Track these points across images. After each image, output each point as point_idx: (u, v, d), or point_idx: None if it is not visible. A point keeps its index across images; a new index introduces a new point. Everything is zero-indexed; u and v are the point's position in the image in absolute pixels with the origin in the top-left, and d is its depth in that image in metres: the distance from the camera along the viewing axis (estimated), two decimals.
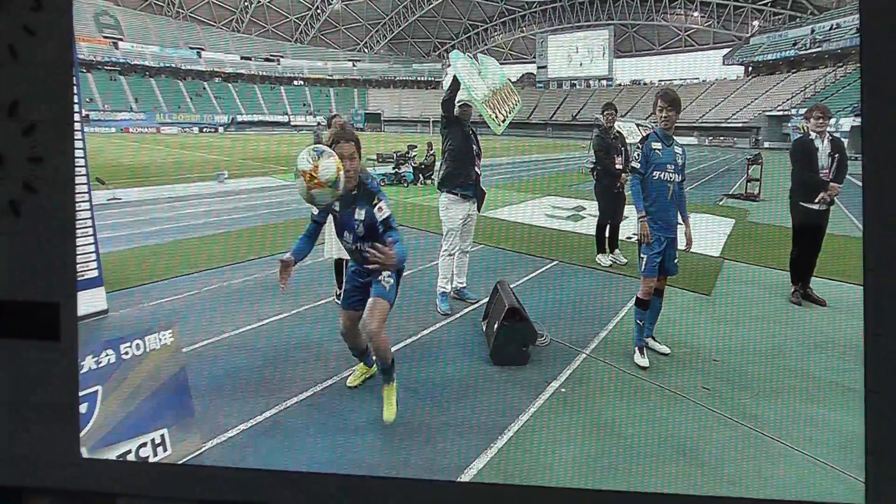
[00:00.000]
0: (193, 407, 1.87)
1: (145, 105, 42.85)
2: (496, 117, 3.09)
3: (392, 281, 2.05)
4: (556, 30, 52.82)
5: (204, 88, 48.96)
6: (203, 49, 50.44)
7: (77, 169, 2.83)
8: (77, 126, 2.84)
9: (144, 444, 1.70)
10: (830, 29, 32.74)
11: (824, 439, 1.97)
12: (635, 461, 1.83)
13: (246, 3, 53.79)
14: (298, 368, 2.47)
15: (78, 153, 2.82)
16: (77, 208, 2.84)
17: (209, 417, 2.01)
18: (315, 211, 2.06)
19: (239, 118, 47.01)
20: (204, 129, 43.05)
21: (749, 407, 2.20)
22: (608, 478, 1.74)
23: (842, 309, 3.37)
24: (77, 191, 2.82)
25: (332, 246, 3.32)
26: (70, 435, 0.85)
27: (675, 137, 2.64)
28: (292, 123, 48.96)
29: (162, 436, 1.76)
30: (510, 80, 3.61)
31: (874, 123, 0.70)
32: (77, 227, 2.84)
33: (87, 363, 1.63)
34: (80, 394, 1.59)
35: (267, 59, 54.55)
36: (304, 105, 53.41)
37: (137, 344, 1.76)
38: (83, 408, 1.59)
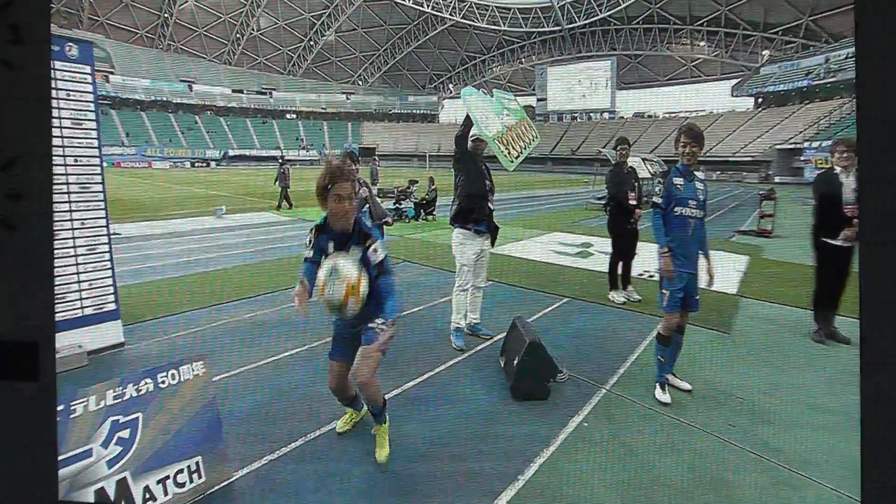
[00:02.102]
0: (224, 436, 2.03)
1: (136, 139, 44.34)
2: (508, 154, 3.26)
3: (386, 328, 2.02)
4: (556, 61, 55.28)
5: (195, 122, 50.72)
6: (194, 82, 52.46)
7: (96, 203, 3.13)
8: (96, 160, 3.18)
9: (181, 471, 1.85)
10: (846, 58, 33.48)
11: (848, 473, 2.12)
12: (661, 494, 1.97)
13: (238, 35, 56.46)
14: (320, 403, 2.61)
15: (97, 187, 3.15)
16: (96, 242, 3.11)
17: (238, 448, 2.16)
18: (308, 253, 2.05)
19: (231, 152, 48.41)
20: (196, 164, 44.25)
21: (772, 442, 2.35)
22: None
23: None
24: (98, 224, 3.09)
25: None
26: (48, 476, 0.82)
27: (696, 173, 2.80)
28: (285, 157, 50.76)
29: (197, 463, 1.91)
30: (526, 114, 3.78)
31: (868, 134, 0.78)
32: (97, 260, 3.10)
33: (129, 391, 1.83)
34: (122, 419, 1.79)
35: (259, 92, 56.82)
36: (298, 139, 55.20)
37: (173, 374, 1.95)
38: (125, 433, 1.78)
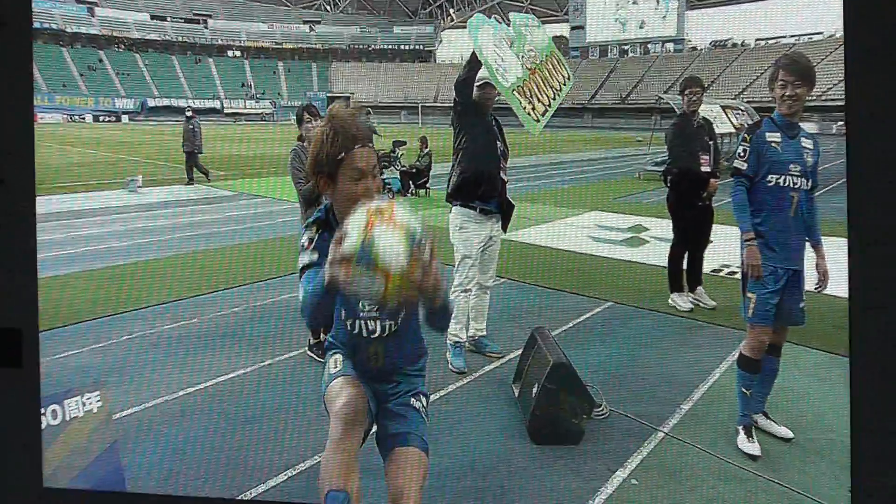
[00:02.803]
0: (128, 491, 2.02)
1: None
2: (533, 110, 3.27)
3: (425, 402, 1.84)
4: None
5: (99, 60, 50.88)
6: (95, 4, 52.44)
7: None
8: None
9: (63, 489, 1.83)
10: None
11: None
12: None
13: None
14: (261, 446, 2.60)
15: None
16: None
17: None
18: (307, 258, 1.76)
19: (150, 102, 48.53)
20: (100, 118, 44.36)
21: None
22: None
23: None
24: None
25: None
26: (33, 465, 1.09)
27: (801, 125, 2.78)
28: (227, 110, 50.74)
29: None
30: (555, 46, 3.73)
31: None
32: None
33: None
34: None
35: (189, 20, 56.77)
36: (244, 85, 55.23)
37: (54, 410, 1.86)
38: None
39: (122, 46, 53.65)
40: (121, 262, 5.72)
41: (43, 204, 9.02)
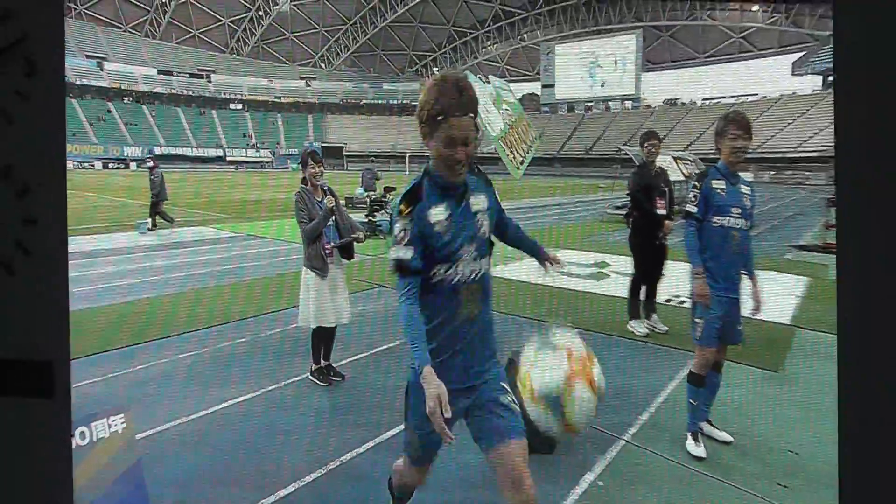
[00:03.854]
0: None
1: None
2: (514, 158, 3.40)
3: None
4: (566, 37, 56.39)
5: (108, 111, 50.55)
6: (105, 59, 52.08)
7: None
8: None
9: None
10: None
11: None
12: None
13: (164, 0, 55.78)
14: (271, 463, 2.66)
15: None
16: None
17: None
18: (403, 253, 1.58)
19: (157, 150, 48.24)
20: (109, 164, 43.93)
21: None
22: None
23: None
24: None
25: (312, 311, 3.58)
26: (64, 494, 1.00)
27: (741, 174, 2.88)
28: (229, 158, 50.83)
29: None
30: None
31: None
32: None
33: None
34: None
35: (193, 75, 56.90)
36: (245, 135, 55.16)
37: (83, 432, 1.93)
38: None
39: (130, 98, 53.54)
40: (131, 298, 5.72)
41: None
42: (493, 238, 1.80)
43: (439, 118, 1.55)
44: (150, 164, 11.89)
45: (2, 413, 0.99)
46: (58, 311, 1.02)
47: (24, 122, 0.99)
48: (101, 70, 52.10)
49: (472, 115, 1.59)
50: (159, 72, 55.61)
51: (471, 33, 63.17)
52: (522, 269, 7.33)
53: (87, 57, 51.55)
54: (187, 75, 57.07)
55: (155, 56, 56.19)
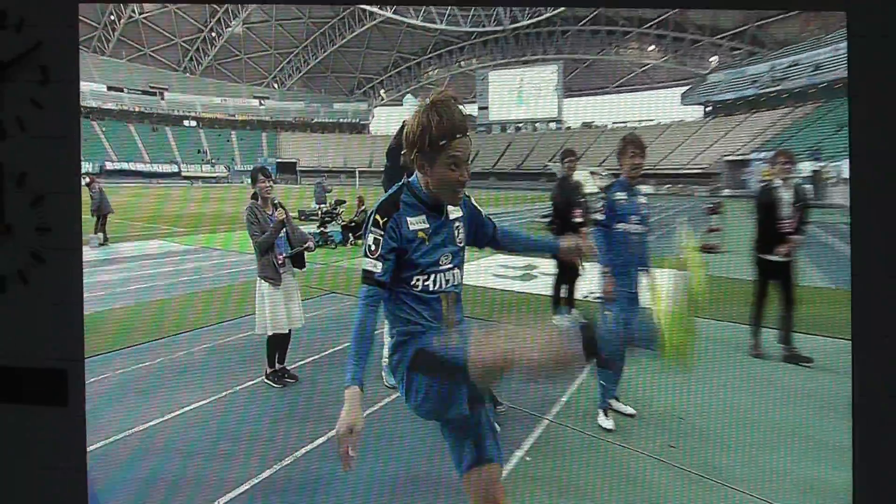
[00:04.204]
0: None
1: None
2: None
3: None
4: (498, 64, 57.98)
5: None
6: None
7: None
8: None
9: None
10: (789, 66, 38.21)
11: (786, 488, 2.49)
12: None
13: (112, 18, 52.20)
14: (229, 462, 2.61)
15: None
16: None
17: None
18: (376, 269, 1.45)
19: (109, 165, 45.00)
20: None
21: (714, 461, 2.70)
22: None
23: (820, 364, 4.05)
24: None
25: (268, 319, 3.52)
26: (79, 499, 0.95)
27: (638, 186, 3.04)
28: (184, 173, 47.96)
29: None
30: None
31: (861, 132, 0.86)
32: None
33: None
34: None
35: (146, 92, 53.60)
36: (200, 151, 52.44)
37: None
38: None
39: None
40: (91, 310, 5.41)
41: None
42: (477, 245, 1.73)
43: (442, 143, 1.42)
44: (87, 180, 10.69)
45: (17, 421, 0.94)
46: (72, 320, 0.98)
47: (39, 130, 0.95)
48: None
49: (469, 134, 1.50)
50: (109, 88, 51.93)
51: (414, 59, 63.34)
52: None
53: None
54: (139, 92, 53.62)
55: (104, 72, 52.47)
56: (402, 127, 3.36)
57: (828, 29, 38.12)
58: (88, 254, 9.15)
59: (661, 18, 49.67)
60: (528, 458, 2.69)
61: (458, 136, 1.43)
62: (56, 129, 0.94)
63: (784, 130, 35.25)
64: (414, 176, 1.53)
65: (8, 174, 0.92)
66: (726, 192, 33.15)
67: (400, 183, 1.53)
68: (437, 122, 1.41)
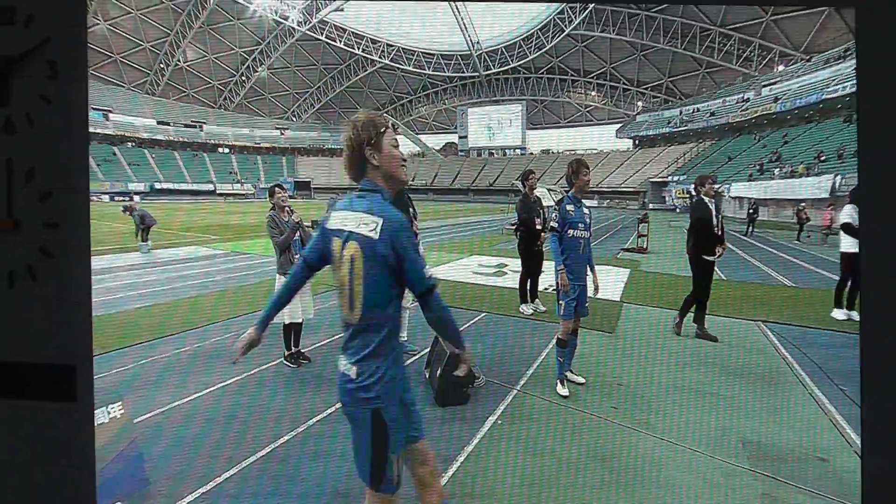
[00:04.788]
0: (147, 477, 1.87)
1: None
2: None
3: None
4: (475, 103, 58.43)
5: (113, 154, 45.31)
6: (110, 111, 47.03)
7: None
8: None
9: None
10: (693, 112, 41.07)
11: (701, 437, 2.51)
12: (565, 472, 2.19)
13: (162, 66, 51.56)
14: (256, 427, 2.51)
15: None
16: None
17: (164, 485, 2.00)
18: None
19: (157, 185, 43.82)
20: (115, 198, 39.14)
21: (647, 418, 2.71)
22: (546, 489, 2.06)
23: (723, 340, 4.14)
24: None
25: (285, 309, 3.38)
26: (87, 495, 0.82)
27: (583, 200, 3.06)
28: (219, 192, 47.32)
29: None
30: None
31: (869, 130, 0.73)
32: None
33: None
34: None
35: (188, 125, 52.60)
36: (231, 173, 51.61)
37: None
38: None
39: (133, 143, 48.45)
40: (140, 305, 5.19)
41: None
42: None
43: (383, 130, 1.37)
44: (124, 207, 10.60)
45: (27, 416, 0.80)
46: (80, 316, 0.83)
47: (47, 126, 0.80)
48: (107, 120, 46.84)
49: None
50: (158, 122, 50.90)
51: (407, 97, 63.38)
52: (444, 270, 7.44)
53: (94, 109, 46.11)
54: (182, 125, 52.67)
55: (155, 109, 51.41)
56: None
57: (717, 86, 41.05)
58: (138, 259, 8.86)
59: (599, 71, 51.21)
60: (499, 422, 2.65)
61: (388, 126, 1.40)
62: (65, 125, 0.79)
63: (691, 160, 36.99)
64: (376, 196, 1.38)
65: (17, 170, 0.78)
66: (651, 206, 33.99)
67: (380, 202, 1.37)
68: (371, 120, 1.37)
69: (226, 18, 51.86)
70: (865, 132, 0.74)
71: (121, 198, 39.34)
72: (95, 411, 1.80)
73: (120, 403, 1.90)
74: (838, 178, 18.29)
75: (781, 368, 3.51)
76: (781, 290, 6.51)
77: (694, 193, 4.39)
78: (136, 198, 38.59)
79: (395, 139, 1.40)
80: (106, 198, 38.76)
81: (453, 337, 1.41)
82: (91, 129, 43.74)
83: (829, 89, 27.42)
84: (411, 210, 3.58)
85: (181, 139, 51.68)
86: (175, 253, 9.65)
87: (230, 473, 2.13)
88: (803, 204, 15.95)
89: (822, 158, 22.45)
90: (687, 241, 4.31)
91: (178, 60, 52.54)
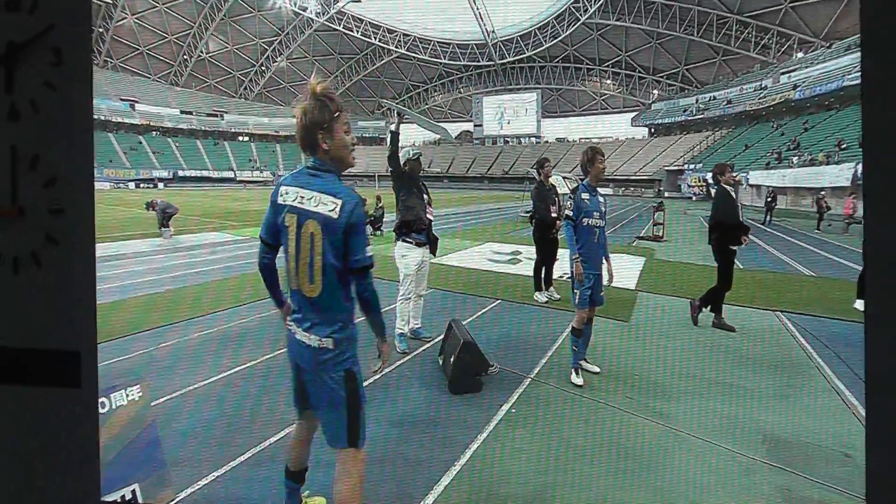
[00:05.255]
0: (164, 459, 1.87)
1: None
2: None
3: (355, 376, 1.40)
4: (489, 91, 57.36)
5: (139, 142, 46.24)
6: (137, 101, 47.65)
7: None
8: None
9: (115, 502, 1.67)
10: (709, 100, 39.58)
11: (717, 426, 2.41)
12: (579, 460, 2.12)
13: (185, 57, 52.13)
14: (265, 414, 2.50)
15: None
16: None
17: (182, 468, 2.01)
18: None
19: (181, 173, 44.57)
20: (140, 185, 39.97)
21: (662, 408, 2.61)
22: (560, 476, 2.00)
23: (740, 330, 3.97)
24: None
25: None
26: (92, 481, 0.80)
27: (598, 188, 2.96)
28: (238, 179, 47.82)
29: (133, 491, 1.73)
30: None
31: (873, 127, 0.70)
32: None
33: None
34: None
35: (210, 115, 53.13)
36: (251, 161, 52.20)
37: (102, 402, 1.73)
38: None
39: (157, 132, 49.27)
40: (161, 289, 5.22)
41: (98, 249, 8.15)
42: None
43: (337, 115, 1.36)
44: (147, 204, 10.58)
45: (31, 402, 0.79)
46: (85, 302, 0.80)
47: (52, 112, 0.77)
48: (133, 110, 47.69)
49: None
50: (182, 112, 51.56)
51: (423, 86, 62.62)
52: (459, 257, 7.36)
53: (121, 100, 47.03)
54: (205, 115, 53.27)
55: (178, 99, 52.06)
56: (394, 137, 3.32)
57: (734, 74, 39.50)
58: (162, 244, 9.01)
59: (615, 59, 49.53)
60: (513, 410, 2.59)
61: (342, 110, 1.38)
62: (69, 112, 0.76)
63: (707, 148, 35.79)
64: (331, 175, 1.38)
65: (21, 156, 0.75)
66: (666, 194, 33.06)
67: (335, 182, 1.37)
68: (322, 105, 1.35)
69: (246, 10, 51.84)
70: (869, 130, 0.71)
71: (147, 184, 40.26)
72: (112, 395, 1.78)
73: (139, 386, 1.87)
74: (860, 166, 17.40)
75: (801, 359, 3.35)
76: (801, 280, 6.24)
77: (713, 182, 4.19)
78: (160, 187, 39.39)
79: (348, 124, 1.40)
80: (132, 185, 39.64)
81: (380, 323, 1.47)
82: (118, 119, 45.45)
83: (851, 76, 25.91)
84: (426, 197, 3.51)
85: (203, 128, 52.33)
86: (200, 238, 9.78)
87: (247, 456, 2.13)
88: (823, 192, 15.25)
89: (843, 146, 21.38)
90: (710, 231, 4.12)
91: (201, 52, 53.03)
